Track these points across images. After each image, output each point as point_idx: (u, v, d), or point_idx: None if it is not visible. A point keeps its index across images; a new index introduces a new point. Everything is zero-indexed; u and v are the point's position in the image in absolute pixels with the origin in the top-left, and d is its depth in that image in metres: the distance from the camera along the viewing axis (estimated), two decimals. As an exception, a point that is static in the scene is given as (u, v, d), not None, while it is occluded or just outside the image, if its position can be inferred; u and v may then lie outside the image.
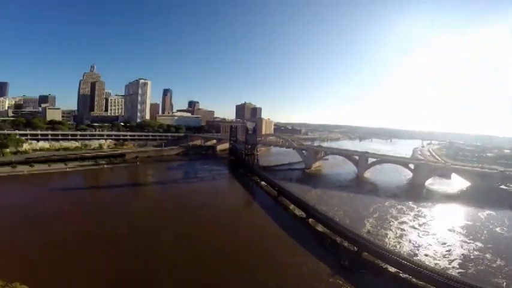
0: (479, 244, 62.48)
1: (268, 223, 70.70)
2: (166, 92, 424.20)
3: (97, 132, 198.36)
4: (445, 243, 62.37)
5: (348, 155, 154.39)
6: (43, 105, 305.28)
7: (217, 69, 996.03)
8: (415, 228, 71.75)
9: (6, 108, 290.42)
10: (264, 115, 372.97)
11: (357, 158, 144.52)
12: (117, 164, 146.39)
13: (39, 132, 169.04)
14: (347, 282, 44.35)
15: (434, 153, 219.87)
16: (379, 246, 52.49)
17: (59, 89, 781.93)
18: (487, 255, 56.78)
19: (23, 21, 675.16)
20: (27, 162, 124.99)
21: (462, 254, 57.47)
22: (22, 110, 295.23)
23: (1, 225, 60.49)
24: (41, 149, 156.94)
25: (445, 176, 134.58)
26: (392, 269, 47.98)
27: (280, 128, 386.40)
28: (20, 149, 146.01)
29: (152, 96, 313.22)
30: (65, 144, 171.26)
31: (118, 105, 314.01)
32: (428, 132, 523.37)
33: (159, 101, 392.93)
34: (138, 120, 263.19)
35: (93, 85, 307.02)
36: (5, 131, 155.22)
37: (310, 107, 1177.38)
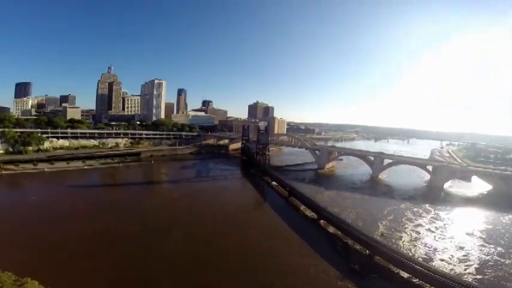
0: (500, 249, 59.57)
1: (278, 224, 70.18)
2: (180, 92, 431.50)
3: (114, 131, 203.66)
4: (462, 248, 59.88)
5: (362, 155, 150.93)
6: (64, 104, 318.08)
7: (230, 69, 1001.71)
8: (431, 231, 69.30)
9: (30, 107, 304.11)
10: (277, 115, 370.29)
11: (372, 158, 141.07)
12: (133, 162, 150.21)
13: (59, 130, 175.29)
14: (356, 287, 43.26)
15: (454, 155, 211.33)
16: (392, 249, 50.80)
17: (79, 89, 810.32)
18: (507, 261, 54.03)
19: (46, 22, 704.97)
20: (48, 160, 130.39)
21: (480, 259, 54.99)
22: (44, 109, 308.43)
23: (20, 221, 63.04)
24: (61, 147, 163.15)
25: (465, 178, 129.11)
26: (404, 274, 46.42)
27: (293, 128, 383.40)
28: (41, 147, 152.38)
29: (167, 96, 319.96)
30: (84, 142, 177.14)
31: (134, 105, 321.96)
32: (447, 133, 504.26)
33: (174, 101, 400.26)
34: (154, 119, 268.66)
35: (110, 85, 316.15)
36: (28, 130, 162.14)
37: (324, 107, 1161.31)
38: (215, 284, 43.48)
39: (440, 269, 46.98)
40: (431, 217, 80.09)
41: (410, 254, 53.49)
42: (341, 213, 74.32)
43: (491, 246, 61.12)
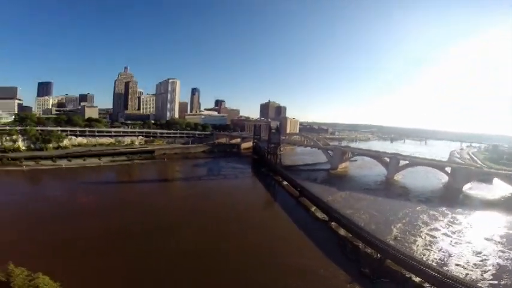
0: (520, 254, 56.31)
1: (288, 224, 69.28)
2: (194, 92, 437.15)
3: (129, 130, 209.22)
4: (480, 253, 57.18)
5: (377, 156, 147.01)
6: (82, 103, 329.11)
7: (243, 69, 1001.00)
8: (447, 235, 66.62)
9: (51, 106, 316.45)
10: (290, 114, 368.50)
11: (387, 159, 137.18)
12: (147, 160, 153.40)
13: (77, 128, 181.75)
14: (365, 291, 42.05)
15: (474, 157, 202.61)
16: (404, 253, 48.89)
17: (97, 88, 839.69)
18: (527, 268, 50.96)
19: (66, 23, 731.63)
20: (66, 156, 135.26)
21: (498, 265, 52.33)
22: (64, 108, 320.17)
23: (37, 217, 65.29)
24: (79, 145, 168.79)
25: (486, 181, 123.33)
26: (416, 279, 44.68)
27: (305, 128, 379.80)
28: (60, 144, 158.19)
29: (181, 95, 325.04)
30: (101, 140, 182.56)
31: (149, 104, 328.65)
32: (467, 134, 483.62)
33: (188, 100, 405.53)
34: (167, 118, 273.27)
35: (126, 85, 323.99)
36: (48, 128, 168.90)
37: (338, 107, 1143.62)
38: (219, 284, 43.32)
39: (455, 274, 44.99)
40: (448, 221, 76.94)
41: (424, 258, 51.58)
42: (353, 215, 72.65)
43: (511, 252, 58.05)
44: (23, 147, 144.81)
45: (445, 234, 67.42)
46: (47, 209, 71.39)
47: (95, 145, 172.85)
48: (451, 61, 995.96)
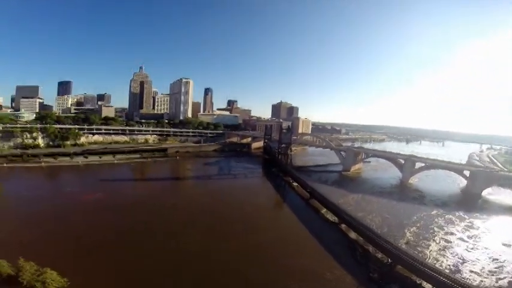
0: (539, 262, 53.22)
1: (297, 226, 68.37)
2: (207, 92, 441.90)
3: (143, 128, 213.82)
4: (496, 259, 54.75)
5: (391, 158, 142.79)
6: (100, 102, 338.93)
7: (256, 69, 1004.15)
8: (463, 240, 64.21)
9: (70, 105, 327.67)
10: (302, 115, 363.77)
11: (402, 161, 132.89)
12: (159, 157, 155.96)
13: (94, 127, 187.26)
14: (373, 297, 40.77)
15: (495, 160, 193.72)
16: (415, 258, 47.00)
17: (114, 88, 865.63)
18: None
19: (85, 23, 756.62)
20: (83, 154, 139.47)
21: (515, 272, 49.52)
22: (82, 107, 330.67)
23: (55, 211, 67.71)
24: (95, 142, 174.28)
25: (506, 185, 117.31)
26: (427, 286, 42.98)
27: (318, 128, 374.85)
28: (78, 141, 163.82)
29: (195, 95, 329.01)
30: (116, 138, 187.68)
31: (164, 103, 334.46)
32: (487, 136, 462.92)
33: (201, 100, 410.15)
34: (181, 118, 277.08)
35: (142, 84, 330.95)
36: (66, 126, 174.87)
37: (352, 107, 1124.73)
38: (223, 284, 43.18)
39: (468, 281, 43.15)
40: (465, 225, 74.08)
41: (436, 263, 49.94)
42: (365, 217, 71.11)
43: (530, 259, 55.13)
44: (43, 144, 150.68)
45: (460, 239, 65.05)
46: (61, 205, 73.30)
47: (110, 143, 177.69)
48: (471, 60, 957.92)
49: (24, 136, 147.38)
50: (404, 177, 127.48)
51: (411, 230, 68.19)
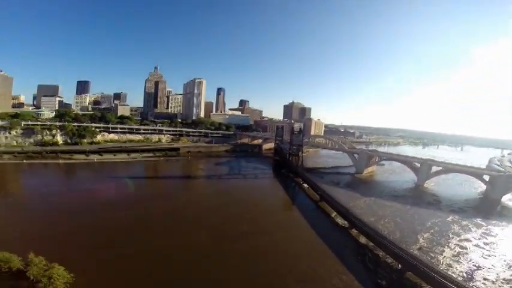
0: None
1: (305, 229, 67.18)
2: (220, 92, 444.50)
3: (157, 128, 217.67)
4: (512, 267, 51.95)
5: (406, 161, 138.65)
6: (116, 101, 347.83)
7: (268, 69, 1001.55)
8: (479, 247, 61.82)
9: (87, 103, 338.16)
10: (315, 116, 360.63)
11: (418, 165, 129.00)
12: (172, 157, 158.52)
13: (110, 125, 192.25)
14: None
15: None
16: (426, 265, 44.97)
17: (130, 87, 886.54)
18: None
19: (102, 23, 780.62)
20: (98, 151, 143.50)
21: (531, 281, 46.94)
22: (99, 105, 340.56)
23: (68, 208, 69.37)
24: (111, 141, 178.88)
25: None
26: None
27: (331, 130, 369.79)
28: (94, 139, 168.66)
29: (208, 94, 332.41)
30: (131, 137, 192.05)
31: (177, 103, 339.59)
32: (510, 141, 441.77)
33: (214, 100, 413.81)
34: (194, 117, 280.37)
35: (156, 84, 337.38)
36: (84, 124, 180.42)
37: (366, 109, 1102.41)
38: (227, 285, 43.00)
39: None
40: (482, 232, 71.22)
41: (449, 270, 48.23)
42: (377, 222, 69.37)
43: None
44: (61, 142, 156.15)
45: (476, 245, 62.75)
46: (75, 202, 74.95)
47: (125, 141, 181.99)
48: (494, 61, 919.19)
49: (44, 133, 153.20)
50: (419, 180, 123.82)
51: (425, 235, 66.06)
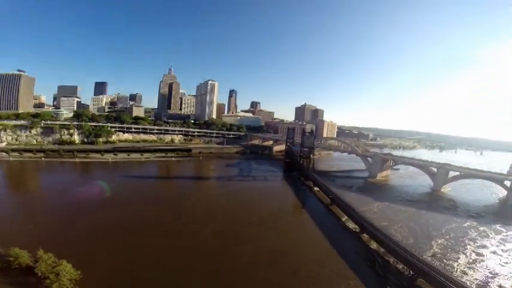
0: None
1: (315, 233, 65.91)
2: (231, 93, 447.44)
3: (170, 128, 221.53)
4: (531, 274, 49.32)
5: (422, 165, 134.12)
6: (131, 102, 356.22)
7: (280, 71, 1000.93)
8: (496, 254, 59.30)
9: (104, 104, 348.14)
10: (328, 118, 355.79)
11: (435, 170, 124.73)
12: (184, 157, 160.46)
13: (125, 125, 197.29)
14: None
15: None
16: (439, 271, 43.01)
17: (146, 88, 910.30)
18: None
19: (120, 27, 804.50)
20: (113, 151, 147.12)
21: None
22: (115, 106, 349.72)
23: (79, 206, 71.05)
24: (126, 140, 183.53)
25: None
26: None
27: (344, 132, 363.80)
28: (109, 139, 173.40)
29: (220, 96, 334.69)
30: (144, 137, 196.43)
31: (190, 104, 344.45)
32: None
33: (226, 101, 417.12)
34: (206, 119, 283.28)
35: (170, 86, 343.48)
36: (100, 124, 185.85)
37: (381, 111, 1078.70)
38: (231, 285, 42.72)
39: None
40: (501, 239, 68.17)
41: (463, 277, 46.79)
42: (390, 227, 67.52)
43: None
44: (78, 141, 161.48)
45: (494, 252, 60.24)
46: (89, 200, 76.36)
47: (138, 141, 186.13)
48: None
49: (62, 132, 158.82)
50: (436, 185, 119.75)
51: (439, 242, 63.67)
